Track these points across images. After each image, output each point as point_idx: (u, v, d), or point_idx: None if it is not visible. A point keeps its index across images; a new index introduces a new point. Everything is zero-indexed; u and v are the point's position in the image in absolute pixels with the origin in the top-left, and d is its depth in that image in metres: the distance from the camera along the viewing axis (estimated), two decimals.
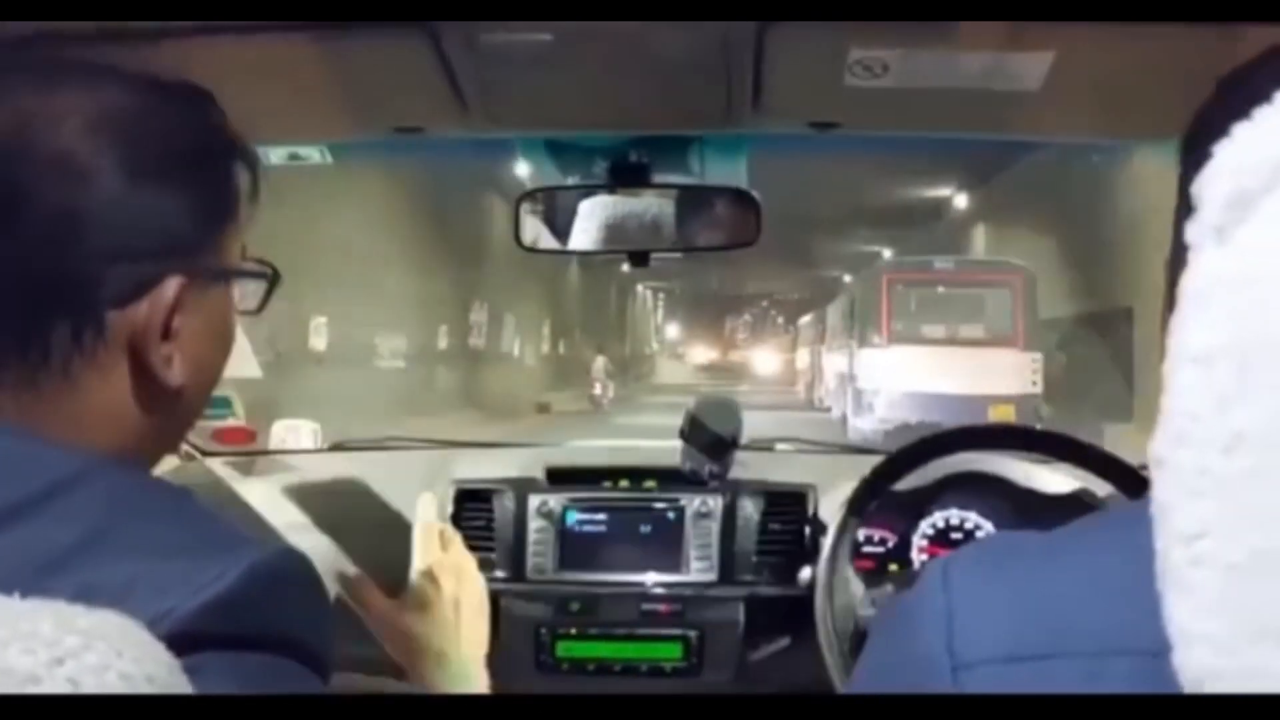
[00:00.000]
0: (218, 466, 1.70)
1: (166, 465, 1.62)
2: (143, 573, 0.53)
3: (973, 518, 1.48)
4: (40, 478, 0.57)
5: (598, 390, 20.59)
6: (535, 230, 1.23)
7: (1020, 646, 0.48)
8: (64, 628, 0.43)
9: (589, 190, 1.24)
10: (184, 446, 1.58)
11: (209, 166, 0.66)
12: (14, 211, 0.59)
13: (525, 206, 1.22)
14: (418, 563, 1.01)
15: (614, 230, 1.27)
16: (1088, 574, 0.49)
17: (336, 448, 1.88)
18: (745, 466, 1.60)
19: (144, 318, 0.61)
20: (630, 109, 1.08)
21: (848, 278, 27.56)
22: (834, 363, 16.61)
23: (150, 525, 0.58)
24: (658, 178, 1.24)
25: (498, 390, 16.13)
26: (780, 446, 1.87)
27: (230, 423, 1.74)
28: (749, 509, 1.49)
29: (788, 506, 1.50)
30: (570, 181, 1.25)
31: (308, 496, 1.60)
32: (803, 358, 25.95)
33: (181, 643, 0.49)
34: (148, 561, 0.55)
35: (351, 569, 1.50)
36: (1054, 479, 1.50)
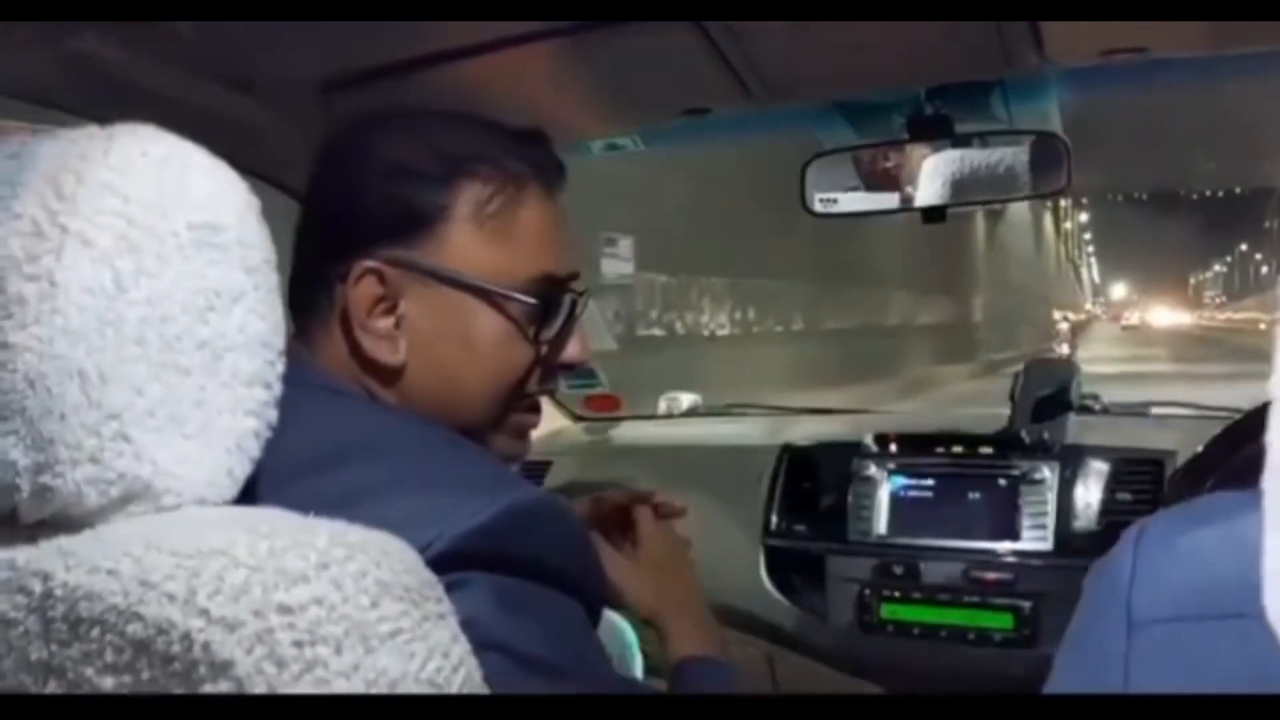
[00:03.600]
0: (587, 429, 1.91)
1: (547, 427, 1.86)
2: (420, 507, 0.63)
3: None
4: (345, 433, 0.71)
5: (1065, 350, 20.29)
6: (826, 193, 1.23)
7: (1186, 607, 0.49)
8: (335, 541, 0.53)
9: (886, 147, 1.23)
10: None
11: (412, 184, 0.75)
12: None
13: (814, 170, 1.23)
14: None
15: (959, 184, 1.24)
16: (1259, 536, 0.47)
17: (689, 413, 2.02)
18: (1093, 431, 1.47)
19: (357, 296, 0.73)
20: (904, 61, 1.06)
21: None
22: None
23: (430, 470, 0.69)
24: (960, 128, 1.20)
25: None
26: (1155, 410, 1.69)
27: (598, 391, 1.94)
28: (1092, 476, 1.37)
29: (1138, 474, 1.36)
30: (865, 140, 1.24)
31: (661, 456, 1.74)
32: None
33: (446, 563, 0.59)
34: (425, 498, 0.64)
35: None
36: None
